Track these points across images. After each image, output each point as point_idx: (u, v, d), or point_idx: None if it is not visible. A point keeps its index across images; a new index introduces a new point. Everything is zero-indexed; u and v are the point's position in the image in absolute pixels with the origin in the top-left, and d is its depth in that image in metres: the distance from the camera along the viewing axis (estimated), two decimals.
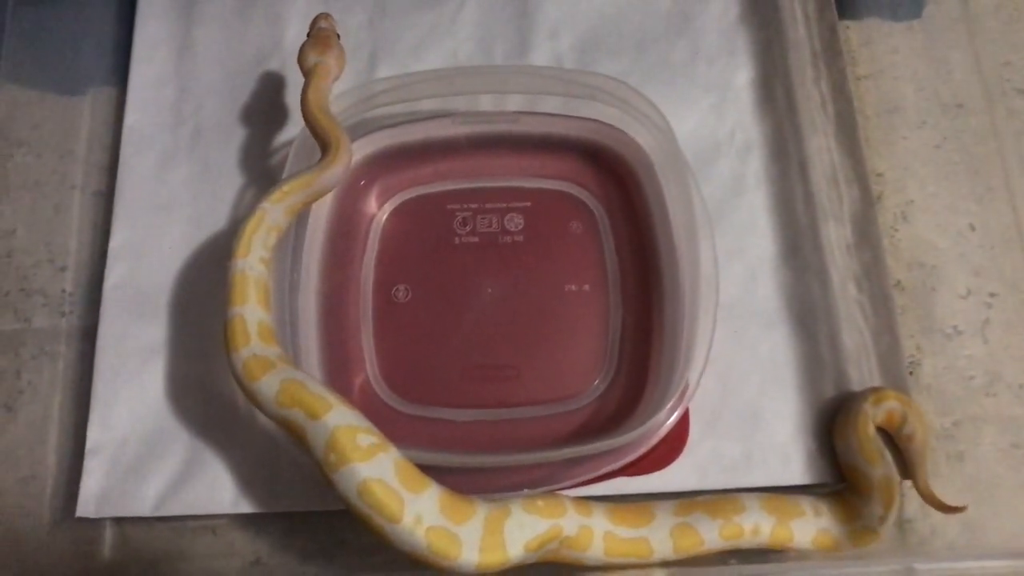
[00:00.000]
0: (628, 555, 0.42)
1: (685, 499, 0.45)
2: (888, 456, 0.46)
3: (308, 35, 0.51)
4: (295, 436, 0.41)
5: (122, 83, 0.57)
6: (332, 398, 0.41)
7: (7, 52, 0.55)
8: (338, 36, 0.51)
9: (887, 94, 0.55)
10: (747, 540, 0.43)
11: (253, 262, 0.44)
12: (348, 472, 0.39)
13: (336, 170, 0.46)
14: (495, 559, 0.39)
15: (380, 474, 0.39)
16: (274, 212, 0.45)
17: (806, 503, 0.45)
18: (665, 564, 0.43)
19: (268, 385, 0.41)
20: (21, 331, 0.52)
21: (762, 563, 0.45)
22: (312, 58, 0.49)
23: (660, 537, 0.42)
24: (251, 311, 0.43)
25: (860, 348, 0.49)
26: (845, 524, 0.45)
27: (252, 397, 0.42)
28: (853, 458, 0.46)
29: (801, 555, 0.45)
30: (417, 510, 0.39)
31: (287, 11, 0.57)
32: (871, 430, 0.46)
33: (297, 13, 0.57)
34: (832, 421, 0.48)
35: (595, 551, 0.42)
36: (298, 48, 0.50)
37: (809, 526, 0.44)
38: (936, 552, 0.47)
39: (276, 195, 0.45)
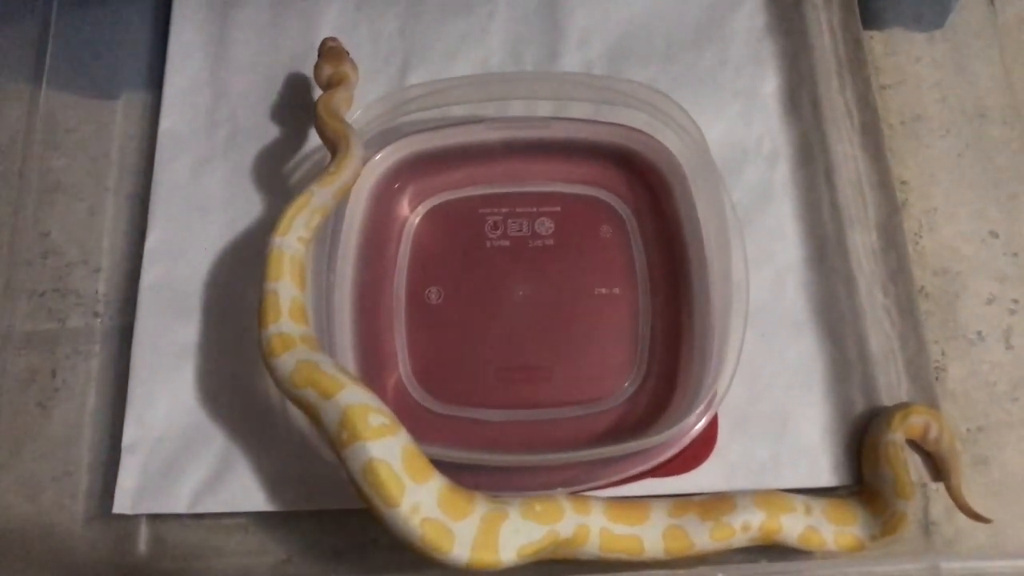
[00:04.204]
0: (621, 551, 0.43)
1: (682, 499, 0.45)
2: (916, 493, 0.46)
3: (319, 55, 0.53)
4: (309, 416, 0.42)
5: (155, 88, 0.57)
6: (345, 378, 0.42)
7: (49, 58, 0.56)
8: (347, 52, 0.53)
9: (911, 103, 0.56)
10: (738, 539, 0.44)
11: (291, 240, 0.46)
12: (357, 449, 0.40)
13: (357, 154, 0.48)
14: (486, 559, 0.40)
15: (386, 456, 0.40)
16: (321, 194, 0.46)
17: (799, 501, 0.45)
18: (656, 564, 0.43)
19: (285, 363, 0.43)
20: (56, 331, 0.53)
21: (788, 560, 0.46)
22: (327, 69, 0.51)
23: (652, 537, 0.43)
24: (284, 287, 0.45)
25: (887, 353, 0.50)
26: (835, 525, 0.45)
27: (271, 373, 0.43)
28: (882, 486, 0.46)
29: (800, 551, 0.45)
30: (416, 499, 0.40)
31: (320, 17, 0.58)
32: (903, 458, 0.46)
33: (330, 19, 0.58)
34: (862, 436, 0.48)
35: (591, 546, 0.42)
36: None
37: (798, 522, 0.45)
38: (961, 553, 0.47)
39: (325, 178, 0.47)
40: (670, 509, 0.44)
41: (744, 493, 0.45)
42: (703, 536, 0.43)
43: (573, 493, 0.44)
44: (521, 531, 0.41)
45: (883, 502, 0.45)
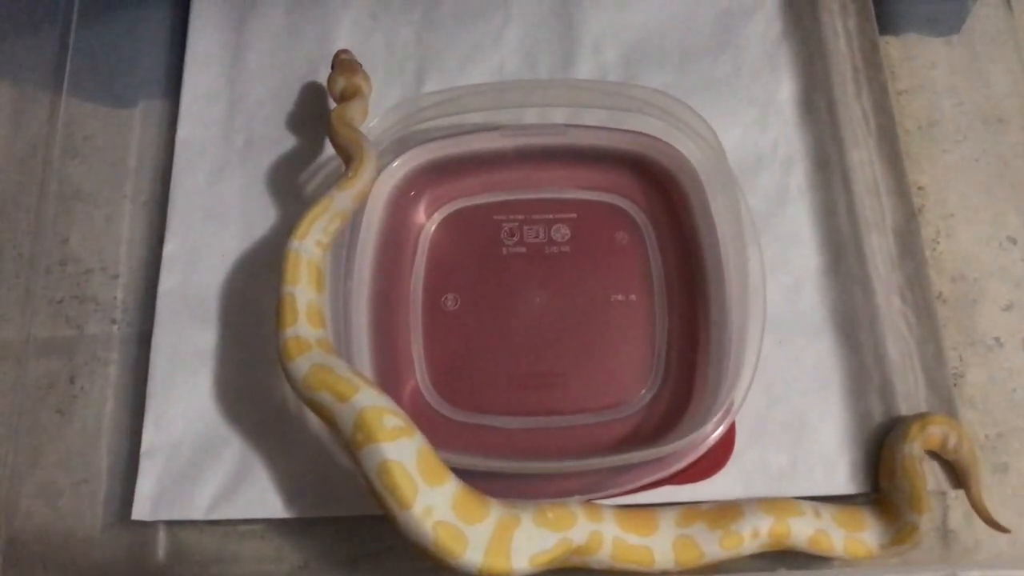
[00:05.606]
0: (633, 562, 0.43)
1: (689, 508, 0.45)
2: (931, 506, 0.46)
3: (332, 67, 0.53)
4: (324, 419, 0.43)
5: (172, 96, 0.58)
6: (360, 381, 0.42)
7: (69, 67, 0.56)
8: (360, 64, 0.53)
9: (927, 108, 0.56)
10: (748, 546, 0.44)
11: (309, 244, 0.46)
12: (372, 451, 0.40)
13: (373, 160, 0.48)
14: (499, 566, 0.40)
15: (401, 457, 0.40)
16: (341, 199, 0.47)
17: (807, 506, 0.45)
18: (667, 574, 0.43)
19: (300, 367, 0.43)
20: (74, 338, 0.53)
21: (806, 569, 0.46)
22: (341, 82, 0.52)
23: (663, 548, 0.43)
24: (302, 291, 0.45)
25: (905, 359, 0.50)
26: (845, 531, 0.45)
27: (286, 376, 0.44)
28: (897, 496, 0.46)
29: (816, 559, 0.45)
30: (429, 501, 0.40)
31: (336, 26, 0.59)
32: (920, 471, 0.46)
33: (345, 27, 0.58)
34: (879, 445, 0.48)
35: (603, 555, 0.42)
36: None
37: (808, 526, 0.44)
38: (980, 561, 0.47)
39: (344, 183, 0.47)
40: (678, 519, 0.44)
41: (751, 500, 0.45)
42: (713, 545, 0.43)
43: (588, 501, 0.44)
44: (534, 539, 0.41)
45: (897, 512, 0.45)
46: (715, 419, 0.44)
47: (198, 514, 0.48)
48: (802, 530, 0.44)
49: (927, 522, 0.45)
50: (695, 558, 0.43)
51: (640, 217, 0.52)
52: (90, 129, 0.57)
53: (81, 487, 0.50)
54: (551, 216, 0.52)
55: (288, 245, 0.46)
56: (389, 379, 0.49)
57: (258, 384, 0.50)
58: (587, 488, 0.46)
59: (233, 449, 0.49)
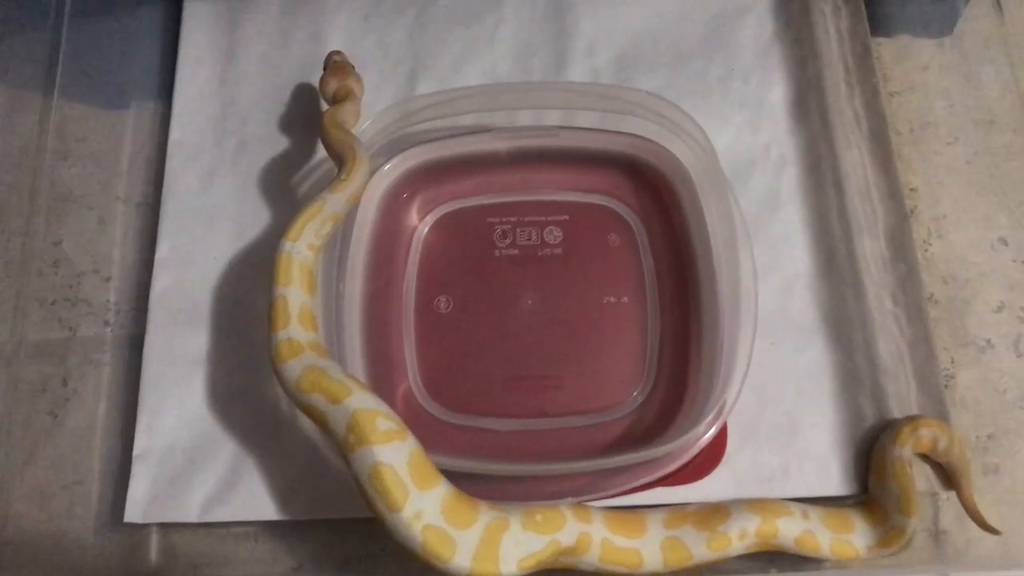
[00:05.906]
0: (620, 564, 0.43)
1: (677, 510, 0.45)
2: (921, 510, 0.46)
3: (324, 69, 0.53)
4: (317, 422, 0.43)
5: (165, 98, 0.58)
6: (353, 384, 0.42)
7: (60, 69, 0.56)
8: (352, 66, 0.53)
9: (919, 110, 0.56)
10: (735, 547, 0.44)
11: (301, 247, 0.46)
12: (364, 453, 0.40)
13: (366, 163, 0.48)
14: (487, 571, 0.40)
15: (392, 461, 0.40)
16: (334, 201, 0.47)
17: (795, 507, 0.45)
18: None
19: (292, 369, 0.43)
20: (67, 340, 0.53)
21: (800, 571, 0.46)
22: (333, 84, 0.52)
23: (651, 550, 0.43)
24: (294, 293, 0.45)
25: (896, 361, 0.50)
26: (832, 532, 0.45)
27: (279, 378, 0.44)
28: (886, 499, 0.46)
29: (807, 560, 0.46)
30: (419, 506, 0.40)
31: (328, 27, 0.59)
32: (910, 474, 0.46)
33: (338, 29, 0.59)
34: (870, 447, 0.48)
35: (591, 557, 0.42)
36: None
37: (795, 526, 0.45)
38: (971, 562, 0.47)
39: (337, 186, 0.47)
40: (666, 520, 0.44)
41: (739, 501, 0.45)
42: (701, 547, 0.43)
43: (580, 503, 0.44)
44: (522, 543, 0.41)
45: (885, 514, 0.46)
46: (707, 421, 0.44)
47: (191, 516, 0.48)
48: (789, 531, 0.44)
49: (915, 525, 0.45)
50: (683, 559, 0.43)
51: (632, 219, 0.52)
52: (82, 131, 0.57)
53: (73, 489, 0.50)
54: (544, 218, 0.52)
55: (280, 247, 0.46)
56: (381, 381, 0.49)
57: (251, 386, 0.50)
58: (579, 490, 0.46)
59: (226, 451, 0.49)
